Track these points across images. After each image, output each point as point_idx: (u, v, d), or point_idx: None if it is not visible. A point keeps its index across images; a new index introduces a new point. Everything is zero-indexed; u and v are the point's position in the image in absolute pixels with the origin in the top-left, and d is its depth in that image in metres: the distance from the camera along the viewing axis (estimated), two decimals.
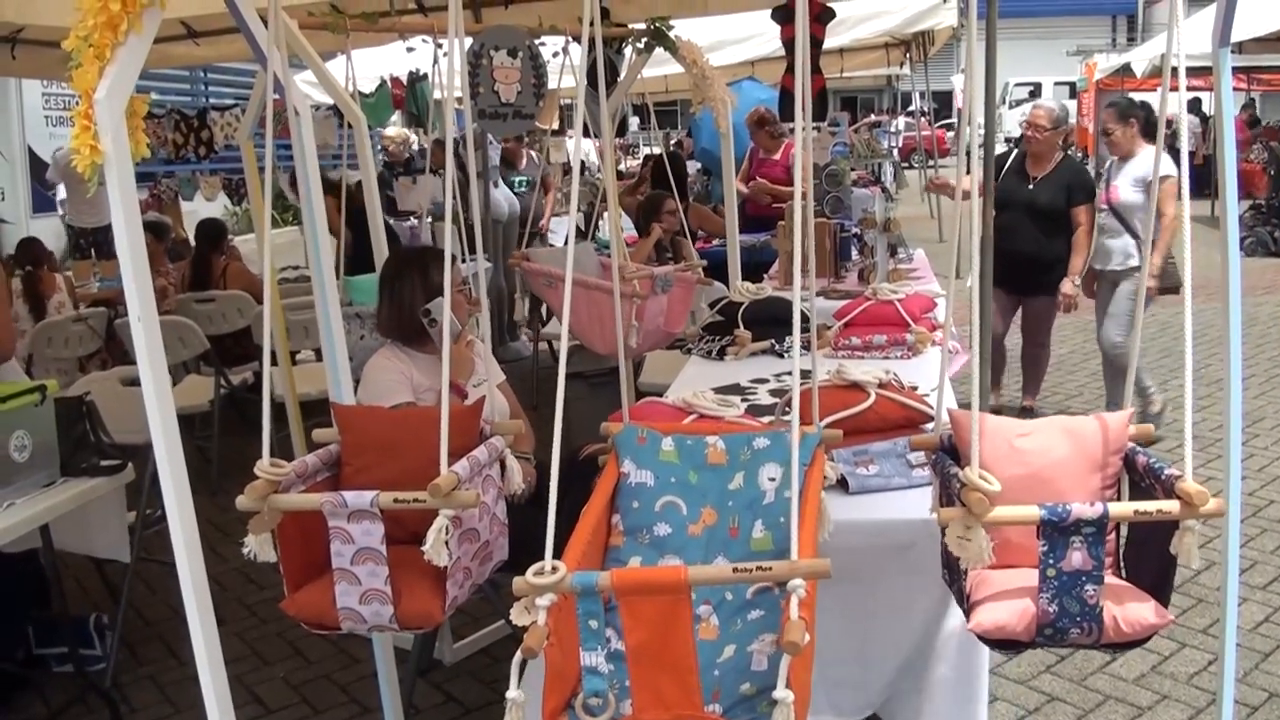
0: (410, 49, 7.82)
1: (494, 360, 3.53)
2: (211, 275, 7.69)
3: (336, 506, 2.45)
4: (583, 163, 9.97)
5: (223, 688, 2.57)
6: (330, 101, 7.47)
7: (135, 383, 2.60)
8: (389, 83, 10.27)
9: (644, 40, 5.52)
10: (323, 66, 4.18)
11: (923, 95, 17.85)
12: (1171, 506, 2.17)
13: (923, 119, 20.42)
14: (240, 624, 4.79)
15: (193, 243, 8.61)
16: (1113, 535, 2.49)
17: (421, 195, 7.07)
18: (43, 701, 4.20)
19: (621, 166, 15.76)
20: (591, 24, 2.41)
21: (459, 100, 3.29)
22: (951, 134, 26.11)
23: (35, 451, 3.72)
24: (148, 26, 2.34)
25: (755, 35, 10.84)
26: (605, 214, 5.60)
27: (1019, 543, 2.36)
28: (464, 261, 4.65)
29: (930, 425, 3.26)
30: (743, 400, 3.87)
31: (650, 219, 7.18)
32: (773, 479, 2.62)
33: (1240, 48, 13.85)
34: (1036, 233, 6.47)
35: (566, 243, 2.85)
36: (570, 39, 5.53)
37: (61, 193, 14.01)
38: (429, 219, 7.86)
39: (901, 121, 25.01)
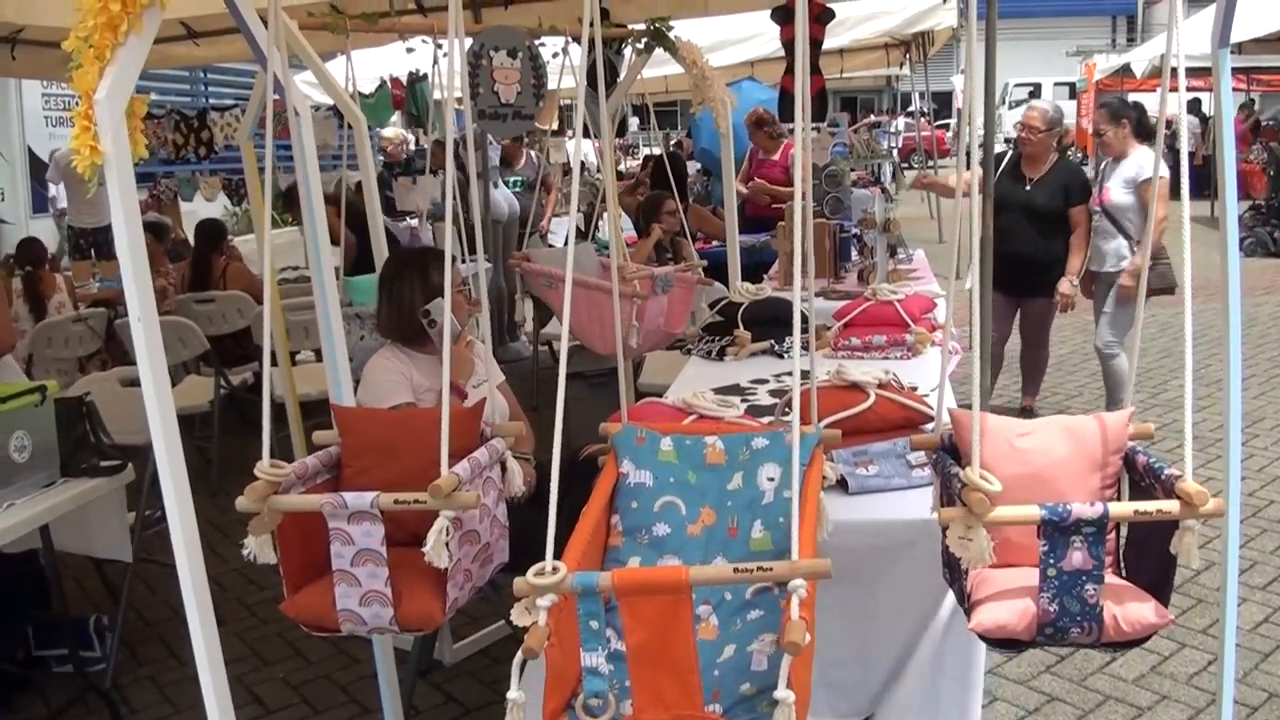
0: (410, 49, 7.82)
1: (494, 361, 3.53)
2: (211, 275, 7.69)
3: (336, 508, 2.45)
4: (582, 163, 9.97)
5: (223, 688, 2.56)
6: (330, 102, 7.47)
7: (135, 383, 2.60)
8: (389, 83, 10.27)
9: (644, 41, 5.52)
10: (322, 67, 4.18)
11: (922, 96, 17.85)
12: (1171, 506, 2.17)
13: (922, 119, 20.41)
14: (240, 624, 4.79)
15: (192, 243, 8.61)
16: (1113, 535, 2.49)
17: (421, 196, 7.06)
18: (43, 702, 4.20)
19: (621, 167, 15.76)
20: (591, 24, 2.41)
21: (459, 101, 3.29)
22: (951, 134, 26.12)
23: (35, 452, 3.73)
24: (148, 27, 2.34)
25: (755, 36, 10.84)
26: (605, 214, 5.60)
27: (1019, 542, 2.36)
28: (464, 262, 4.65)
29: (929, 425, 3.28)
30: (742, 401, 3.87)
31: (650, 219, 7.18)
32: (771, 479, 2.62)
33: (1240, 48, 13.85)
34: (1035, 234, 6.47)
35: (566, 243, 2.85)
36: (570, 39, 5.53)
37: (53, 192, 14.05)
38: (429, 220, 7.86)
39: (901, 122, 25.01)
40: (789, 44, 6.29)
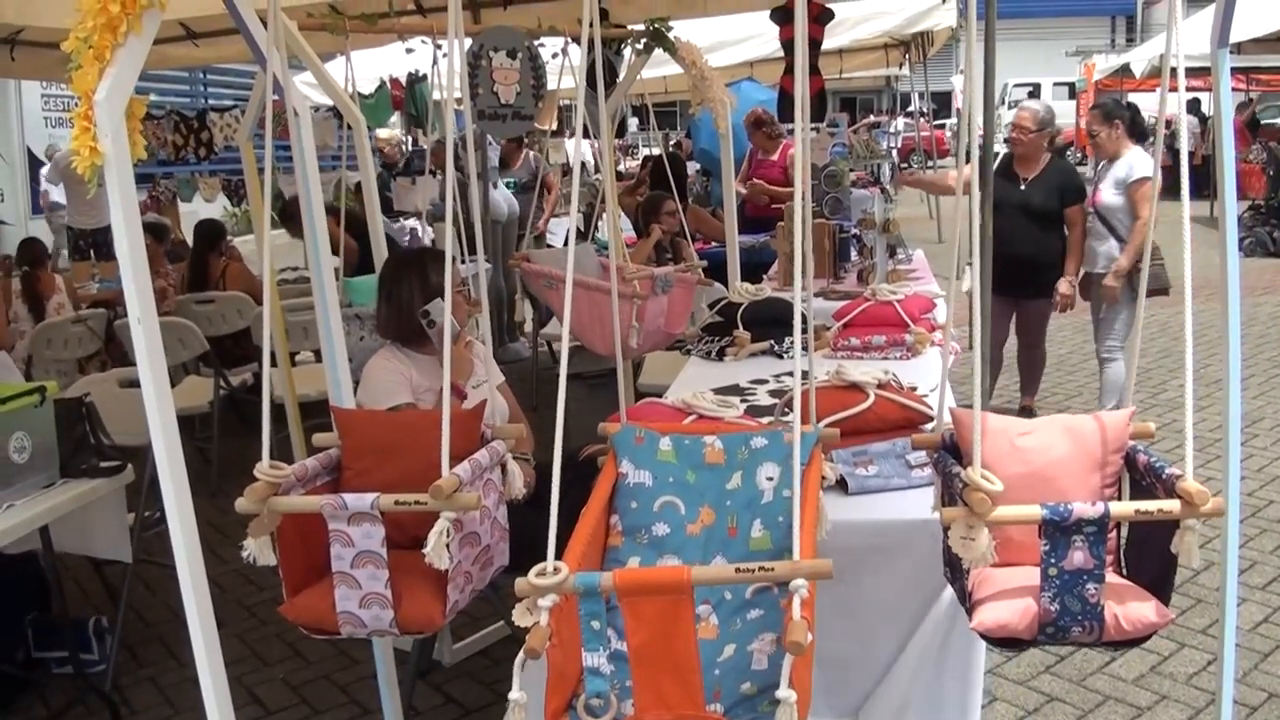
0: (409, 50, 7.81)
1: (493, 362, 3.53)
2: (209, 276, 7.69)
3: (336, 509, 2.44)
4: (582, 164, 9.99)
5: (222, 689, 2.56)
6: (329, 103, 7.47)
7: (134, 384, 2.60)
8: (388, 84, 10.27)
9: (643, 41, 5.51)
10: (322, 68, 4.18)
11: (922, 96, 17.85)
12: (1172, 506, 2.17)
13: (922, 119, 20.42)
14: (240, 625, 4.79)
15: (190, 244, 8.62)
16: (1113, 534, 2.49)
17: (420, 196, 7.06)
18: (43, 703, 4.21)
19: (621, 167, 15.77)
20: (590, 25, 2.41)
21: (458, 102, 3.28)
22: (951, 134, 26.12)
23: (35, 453, 3.73)
24: (147, 28, 2.33)
25: (754, 36, 10.84)
26: (604, 215, 5.60)
27: (1020, 541, 2.36)
28: (463, 262, 4.65)
29: (929, 426, 3.28)
30: (742, 401, 3.87)
31: (650, 220, 7.18)
32: (770, 478, 2.62)
33: (1239, 48, 13.86)
34: (1033, 234, 6.45)
35: (566, 243, 2.85)
36: (569, 40, 5.53)
37: (44, 186, 14.07)
38: (428, 221, 7.86)
39: (900, 122, 25.02)
40: (788, 44, 6.29)
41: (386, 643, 3.43)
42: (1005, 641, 2.36)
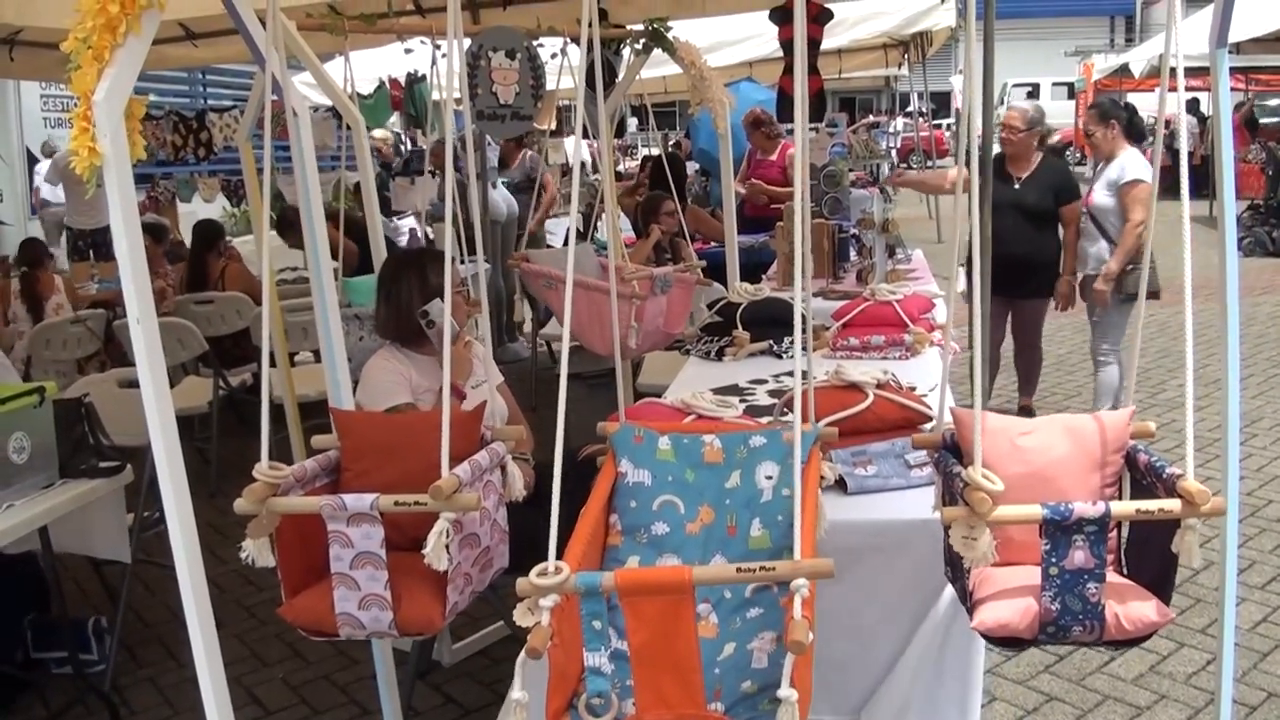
0: (408, 50, 7.81)
1: (492, 362, 3.53)
2: (208, 276, 7.69)
3: (336, 509, 2.44)
4: (582, 163, 10.00)
5: (222, 689, 2.56)
6: (329, 103, 7.47)
7: (134, 384, 2.60)
8: (387, 84, 10.27)
9: (642, 41, 5.51)
10: (321, 68, 4.18)
11: (921, 96, 17.85)
12: (1173, 505, 2.17)
13: (921, 119, 20.42)
14: (239, 625, 4.79)
15: (188, 245, 8.61)
16: (1114, 533, 2.49)
17: (419, 196, 7.06)
18: (43, 703, 4.20)
19: (620, 167, 15.77)
20: (590, 25, 2.41)
21: (458, 102, 3.28)
22: (950, 134, 26.12)
23: (34, 453, 3.73)
24: (146, 28, 2.33)
25: (753, 36, 10.84)
26: (603, 215, 5.60)
27: (1021, 540, 2.36)
28: (462, 263, 4.65)
29: (928, 426, 3.28)
30: (741, 401, 3.88)
31: (649, 220, 7.18)
32: (769, 477, 2.63)
33: (1238, 48, 13.86)
34: (1028, 233, 6.42)
35: (566, 244, 2.85)
36: (568, 40, 5.53)
37: (37, 182, 14.10)
38: (426, 223, 7.87)
39: (900, 122, 25.02)
40: (787, 44, 6.30)
41: (386, 643, 3.43)
42: (1006, 641, 2.37)
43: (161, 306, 6.91)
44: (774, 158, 9.08)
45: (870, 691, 3.07)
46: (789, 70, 6.56)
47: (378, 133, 11.35)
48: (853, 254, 6.69)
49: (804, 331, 2.34)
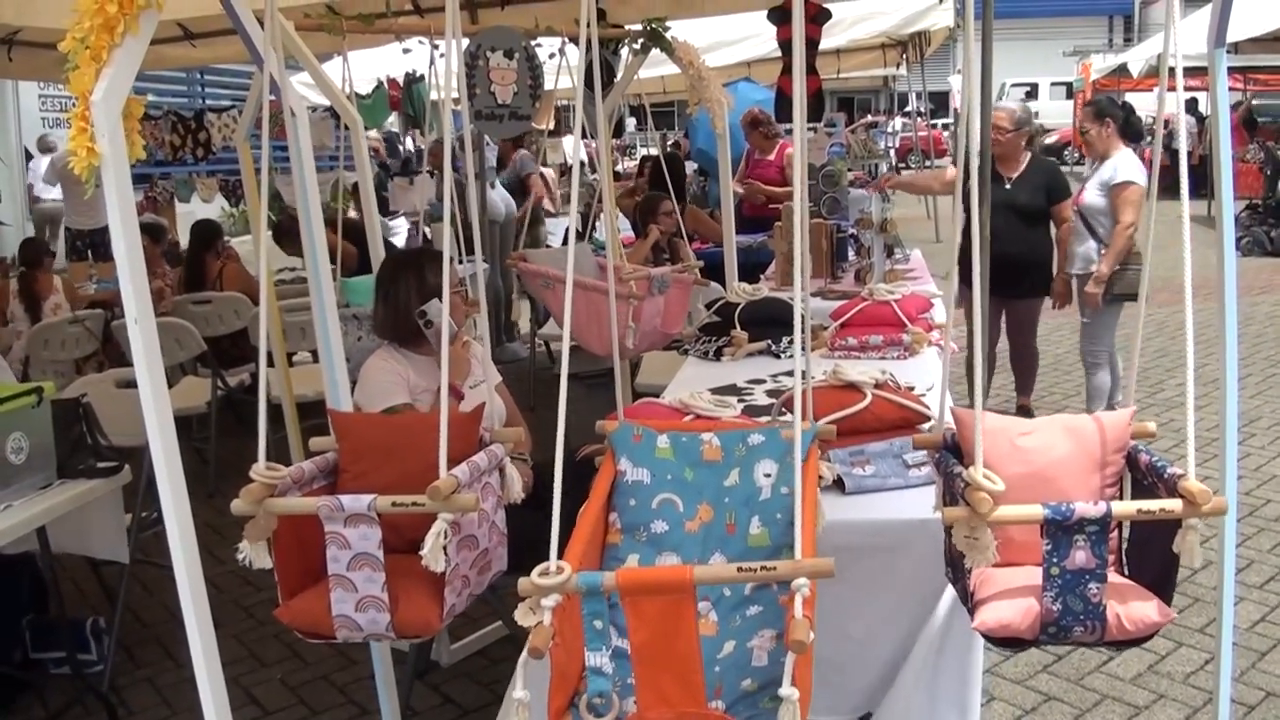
0: (407, 50, 7.81)
1: (491, 362, 3.53)
2: (206, 277, 7.69)
3: (333, 510, 2.44)
4: (581, 163, 10.00)
5: (220, 690, 2.56)
6: (327, 103, 7.47)
7: (131, 384, 2.60)
8: (385, 84, 10.28)
9: (640, 41, 5.52)
10: (319, 68, 4.18)
11: (919, 96, 17.86)
12: (1174, 505, 2.16)
13: (919, 119, 20.43)
14: (237, 626, 4.79)
15: (185, 245, 8.62)
16: (1114, 534, 2.49)
17: (417, 196, 7.07)
18: (41, 704, 4.20)
19: (618, 167, 15.78)
20: (588, 25, 2.41)
21: (456, 102, 3.28)
22: (949, 134, 26.12)
23: (32, 453, 3.72)
24: (144, 28, 2.33)
25: (751, 36, 10.85)
26: (601, 215, 5.60)
27: (1022, 541, 2.36)
28: (460, 263, 4.65)
29: (927, 426, 3.28)
30: (739, 401, 3.88)
31: (647, 220, 7.18)
32: (768, 475, 2.63)
33: (1236, 48, 13.87)
34: (1021, 233, 6.38)
35: (565, 243, 2.85)
36: (566, 40, 5.53)
37: (37, 186, 14.14)
38: (425, 223, 7.87)
39: (898, 122, 25.02)
40: (786, 44, 6.30)
41: (384, 644, 3.43)
42: (1007, 641, 2.36)
43: (159, 307, 6.91)
44: (772, 157, 9.08)
45: (868, 690, 3.07)
46: (787, 70, 6.57)
47: (370, 133, 11.34)
48: (851, 254, 6.68)
49: (803, 331, 2.34)
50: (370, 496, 2.43)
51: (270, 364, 4.42)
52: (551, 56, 5.60)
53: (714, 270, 6.41)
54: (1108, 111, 6.37)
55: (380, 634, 2.59)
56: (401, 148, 14.70)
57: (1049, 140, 27.32)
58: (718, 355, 4.83)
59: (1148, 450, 2.46)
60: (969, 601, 2.42)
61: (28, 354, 6.85)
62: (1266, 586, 4.69)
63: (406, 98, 10.57)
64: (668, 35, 5.50)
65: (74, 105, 2.30)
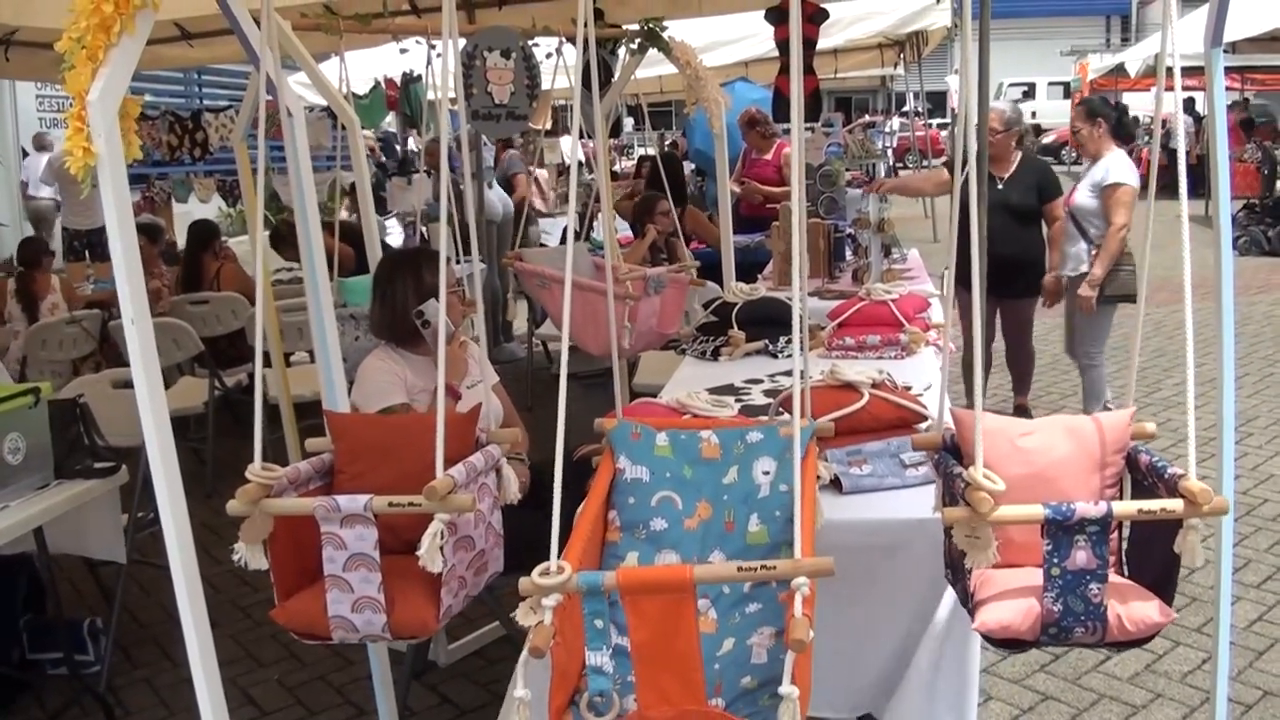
0: (404, 50, 7.82)
1: (488, 362, 3.52)
2: (203, 277, 7.68)
3: (329, 511, 2.43)
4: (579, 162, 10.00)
5: (217, 690, 2.56)
6: (324, 103, 7.47)
7: (128, 385, 2.60)
8: (383, 84, 10.27)
9: (638, 41, 5.52)
10: (315, 67, 4.18)
11: (917, 96, 17.86)
12: (1175, 505, 2.16)
13: (917, 119, 20.43)
14: (234, 626, 4.78)
15: (181, 246, 8.61)
16: (1114, 534, 2.48)
17: (415, 196, 7.07)
18: (39, 704, 4.20)
19: (616, 167, 15.78)
20: (585, 25, 2.41)
21: (453, 102, 3.28)
22: (945, 133, 26.15)
23: (29, 454, 3.72)
24: (141, 28, 2.33)
25: (749, 36, 10.85)
26: (599, 215, 5.60)
27: (1022, 542, 2.36)
28: (458, 263, 4.65)
29: (924, 425, 3.28)
30: (736, 400, 3.87)
31: (644, 220, 7.18)
32: (767, 472, 2.64)
33: (1234, 47, 13.88)
34: (1014, 232, 6.36)
35: (563, 243, 2.85)
36: (564, 40, 5.53)
37: (31, 185, 14.14)
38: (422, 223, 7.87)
39: (896, 122, 25.03)
40: (783, 44, 6.31)
41: (382, 643, 3.43)
42: (1007, 643, 2.36)
43: (157, 307, 6.92)
44: (769, 157, 9.08)
45: (866, 689, 3.07)
46: (785, 70, 6.57)
47: (364, 133, 11.35)
48: (848, 253, 6.68)
49: (802, 330, 2.34)
50: (366, 497, 2.42)
51: (267, 364, 4.42)
52: (549, 56, 5.60)
53: (711, 271, 6.41)
54: (1099, 111, 6.36)
55: (376, 635, 2.59)
56: (399, 148, 14.71)
57: (1046, 140, 27.37)
58: (715, 355, 4.82)
59: (1148, 450, 2.46)
60: (969, 602, 2.42)
61: (25, 354, 6.84)
62: (1264, 586, 4.69)
63: (404, 98, 10.56)
64: (665, 35, 5.51)
65: (71, 105, 2.30)
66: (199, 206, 12.23)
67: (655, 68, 7.28)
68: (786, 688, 1.87)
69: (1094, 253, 6.11)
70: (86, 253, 11.40)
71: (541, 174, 12.03)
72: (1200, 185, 11.02)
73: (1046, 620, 2.24)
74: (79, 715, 4.14)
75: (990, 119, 6.45)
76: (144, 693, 4.29)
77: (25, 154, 14.61)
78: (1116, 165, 6.11)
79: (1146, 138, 17.41)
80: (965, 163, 2.47)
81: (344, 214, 8.02)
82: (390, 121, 12.36)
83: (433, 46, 5.67)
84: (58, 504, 3.71)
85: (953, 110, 25.55)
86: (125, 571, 4.33)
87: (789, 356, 4.63)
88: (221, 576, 5.08)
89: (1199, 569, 4.38)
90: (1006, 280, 6.32)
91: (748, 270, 6.77)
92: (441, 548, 2.43)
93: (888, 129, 23.52)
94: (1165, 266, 6.24)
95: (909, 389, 3.62)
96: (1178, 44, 2.39)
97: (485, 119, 5.12)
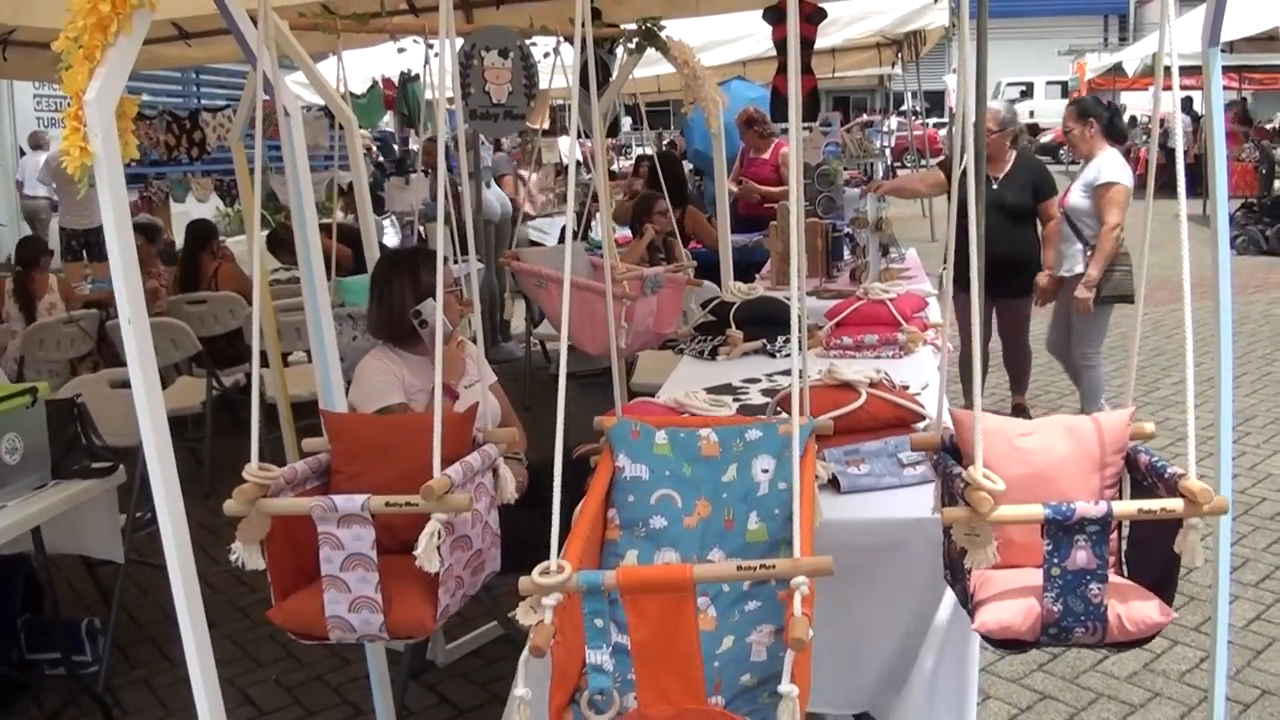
0: (401, 49, 7.81)
1: (485, 361, 3.52)
2: (201, 276, 7.68)
3: (326, 511, 2.43)
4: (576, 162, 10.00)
5: (214, 690, 2.56)
6: (321, 102, 7.47)
7: (126, 385, 2.59)
8: (380, 84, 10.27)
9: (635, 40, 5.51)
10: (313, 67, 4.18)
11: (915, 95, 17.86)
12: (1175, 505, 2.16)
13: (915, 119, 20.45)
14: (232, 626, 4.78)
15: (180, 245, 8.61)
16: (1114, 535, 2.48)
17: (413, 196, 7.06)
18: (37, 705, 4.19)
19: (614, 167, 15.78)
20: (583, 24, 2.40)
21: (450, 101, 3.28)
22: (943, 132, 26.16)
23: (26, 454, 3.72)
24: (138, 27, 2.33)
25: (746, 36, 10.86)
26: (597, 214, 5.60)
27: (1022, 542, 2.36)
28: (455, 262, 4.65)
29: (921, 424, 3.28)
30: (734, 400, 3.87)
31: (642, 219, 7.17)
32: (766, 470, 2.64)
33: (1231, 47, 13.88)
34: (1009, 232, 6.34)
35: (561, 242, 2.85)
36: (561, 39, 5.53)
37: (28, 184, 14.16)
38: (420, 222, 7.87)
39: (894, 121, 25.02)
40: (781, 44, 6.31)
41: (379, 643, 3.42)
42: (1008, 643, 2.36)
43: (154, 307, 6.92)
44: (767, 156, 9.08)
45: (864, 687, 3.07)
46: (783, 70, 6.57)
47: (360, 133, 11.35)
48: (846, 253, 6.68)
49: (800, 330, 2.34)
50: (363, 497, 2.42)
51: (265, 364, 4.41)
52: (546, 56, 5.60)
53: (708, 270, 6.40)
54: (1091, 111, 6.34)
55: (374, 635, 2.58)
56: (396, 147, 14.70)
57: (1044, 139, 27.38)
58: (713, 355, 4.82)
59: (1147, 450, 2.45)
60: (969, 603, 2.42)
61: (22, 354, 6.83)
62: (1261, 585, 4.69)
63: (401, 97, 10.55)
64: (663, 34, 5.50)
65: (68, 105, 2.30)
66: (196, 206, 12.22)
67: (653, 67, 7.29)
68: (786, 686, 1.87)
69: (1089, 253, 6.11)
70: (84, 252, 11.40)
71: (528, 175, 12.02)
72: (1198, 184, 11.05)
73: (1046, 620, 2.23)
74: (77, 715, 4.14)
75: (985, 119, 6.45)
76: (142, 693, 4.29)
77: (23, 153, 14.62)
78: (1109, 164, 6.10)
79: (1145, 137, 17.43)
80: (964, 158, 2.46)
81: (339, 215, 8.02)
82: (388, 121, 12.36)
83: (430, 46, 5.68)
84: (55, 504, 3.71)
85: (950, 110, 25.58)
86: (123, 571, 4.32)
87: (787, 356, 4.63)
88: (219, 576, 5.08)
89: (1197, 568, 4.41)
90: (1002, 280, 6.30)
91: (745, 270, 6.76)
92: (438, 547, 2.42)
93: (886, 128, 23.51)
94: (1163, 266, 6.26)
95: (907, 388, 3.62)
96: (1176, 43, 2.39)
97: (483, 118, 5.11)
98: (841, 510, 2.96)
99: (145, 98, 13.53)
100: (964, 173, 2.45)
